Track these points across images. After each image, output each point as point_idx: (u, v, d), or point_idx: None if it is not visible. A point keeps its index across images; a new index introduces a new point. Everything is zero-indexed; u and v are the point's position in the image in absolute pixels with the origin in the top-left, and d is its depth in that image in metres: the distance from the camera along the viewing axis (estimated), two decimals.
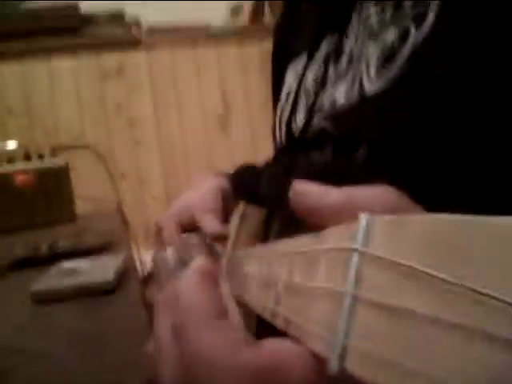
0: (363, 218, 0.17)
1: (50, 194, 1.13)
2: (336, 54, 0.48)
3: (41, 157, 1.15)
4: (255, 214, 0.63)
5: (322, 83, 0.49)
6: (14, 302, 0.59)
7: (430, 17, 0.37)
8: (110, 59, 1.86)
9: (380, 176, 0.26)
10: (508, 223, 0.11)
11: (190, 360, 0.23)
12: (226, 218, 0.65)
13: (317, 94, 0.49)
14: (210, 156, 1.89)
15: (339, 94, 0.45)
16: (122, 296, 0.56)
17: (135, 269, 0.70)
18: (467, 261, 0.12)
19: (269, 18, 1.98)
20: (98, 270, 0.63)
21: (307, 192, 0.23)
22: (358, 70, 0.43)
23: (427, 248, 0.14)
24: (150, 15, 1.90)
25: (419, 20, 0.38)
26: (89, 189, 1.44)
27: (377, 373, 0.14)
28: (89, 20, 1.87)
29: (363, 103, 0.41)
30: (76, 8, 1.84)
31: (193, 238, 0.61)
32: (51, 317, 0.52)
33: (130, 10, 1.90)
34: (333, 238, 0.20)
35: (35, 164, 1.12)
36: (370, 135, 0.40)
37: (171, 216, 0.66)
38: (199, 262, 0.28)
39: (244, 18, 1.98)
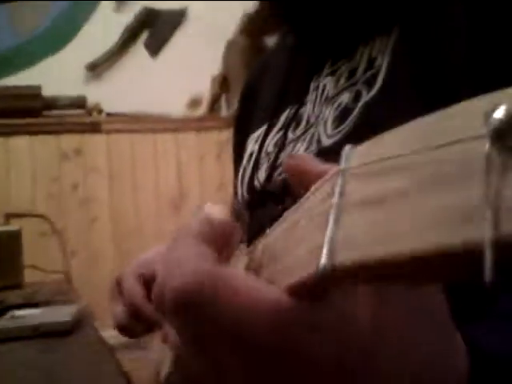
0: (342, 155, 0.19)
1: (1, 259, 1.11)
2: (295, 121, 0.53)
3: None
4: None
5: (281, 145, 0.53)
6: None
7: (379, 79, 0.44)
8: (69, 141, 1.90)
9: None
10: None
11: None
12: None
13: (277, 154, 0.53)
14: (162, 237, 1.90)
15: (299, 150, 0.51)
16: (80, 337, 0.56)
17: (91, 316, 0.69)
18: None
19: (225, 110, 2.11)
20: (55, 313, 0.62)
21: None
22: (316, 130, 0.49)
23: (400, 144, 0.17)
24: (111, 102, 1.99)
25: (370, 83, 0.44)
26: (37, 259, 1.42)
27: (365, 252, 0.15)
28: (50, 103, 1.93)
29: (320, 154, 0.46)
30: (39, 91, 1.90)
31: None
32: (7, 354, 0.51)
33: (92, 96, 1.99)
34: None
35: None
36: None
37: (131, 269, 0.66)
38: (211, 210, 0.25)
39: (202, 109, 2.10)
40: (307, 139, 0.50)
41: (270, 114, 0.59)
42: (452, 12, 0.41)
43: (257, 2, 2.03)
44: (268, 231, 0.27)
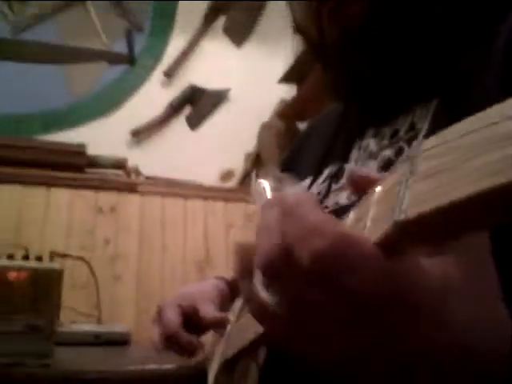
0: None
1: (40, 293, 1.16)
2: (337, 175, 0.61)
3: (39, 259, 1.21)
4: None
5: (325, 194, 0.61)
6: None
7: (420, 137, 0.53)
8: (106, 198, 2.01)
9: None
10: None
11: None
12: (221, 307, 0.72)
13: (321, 202, 0.60)
14: None
15: (341, 198, 0.58)
16: (135, 346, 0.61)
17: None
18: None
19: None
20: (111, 327, 0.68)
21: None
22: None
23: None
24: (149, 166, 2.12)
25: (411, 141, 0.53)
26: (72, 299, 1.47)
27: (429, 204, 0.21)
28: (93, 162, 2.06)
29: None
30: (84, 149, 2.04)
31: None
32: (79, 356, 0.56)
33: (132, 159, 2.12)
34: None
35: (33, 264, 1.18)
36: None
37: (173, 300, 0.73)
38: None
39: (233, 182, 2.21)
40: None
41: (314, 168, 0.67)
42: (489, 84, 0.48)
43: (294, 89, 2.20)
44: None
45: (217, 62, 2.31)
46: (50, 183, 1.96)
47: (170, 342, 0.68)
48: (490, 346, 0.30)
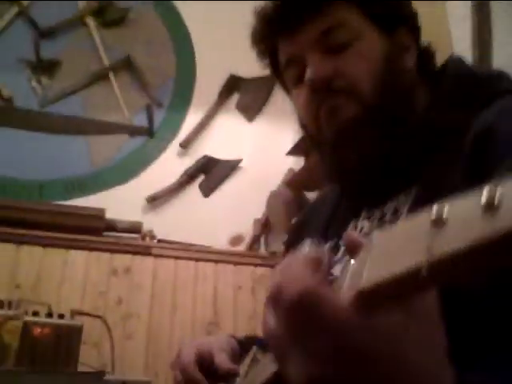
0: None
1: (60, 348, 1.24)
2: (334, 250, 0.72)
3: (61, 316, 1.30)
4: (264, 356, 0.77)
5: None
6: None
7: (401, 219, 0.63)
8: (121, 260, 2.11)
9: None
10: None
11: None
12: (233, 360, 0.79)
13: None
14: None
15: (336, 271, 0.68)
16: None
17: None
18: None
19: (263, 249, 2.32)
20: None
21: None
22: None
23: None
24: (164, 230, 2.23)
25: (393, 222, 0.63)
26: (85, 356, 1.53)
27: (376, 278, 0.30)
28: (111, 225, 2.17)
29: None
30: (103, 213, 2.16)
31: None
32: None
33: (147, 223, 2.23)
34: None
35: (56, 320, 1.27)
36: None
37: (192, 344, 0.81)
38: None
39: (242, 246, 2.31)
40: (343, 263, 0.67)
41: (318, 241, 0.77)
42: (456, 177, 0.57)
43: (301, 161, 2.34)
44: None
45: (230, 135, 2.47)
46: (68, 245, 2.07)
47: (187, 381, 0.75)
48: None
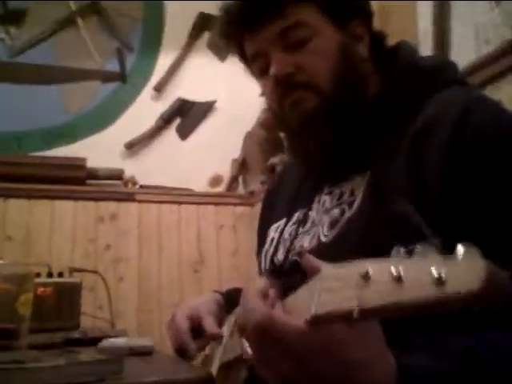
0: None
1: (63, 305, 1.36)
2: (303, 220, 0.82)
3: (60, 275, 1.40)
4: None
5: (295, 235, 0.82)
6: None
7: (356, 203, 0.72)
8: (107, 207, 2.20)
9: None
10: None
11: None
12: (219, 319, 0.92)
13: (291, 242, 0.81)
14: (181, 296, 2.15)
15: (305, 242, 0.79)
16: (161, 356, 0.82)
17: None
18: None
19: (242, 188, 2.42)
20: (137, 341, 0.88)
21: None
22: (317, 229, 0.77)
23: None
24: (145, 176, 2.30)
25: (350, 205, 0.73)
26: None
27: (325, 308, 0.41)
28: (93, 174, 2.24)
29: (319, 247, 0.75)
30: (84, 163, 2.22)
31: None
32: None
33: (128, 170, 2.30)
34: None
35: (57, 279, 1.37)
36: None
37: (182, 309, 0.93)
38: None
39: (222, 186, 2.41)
40: (311, 234, 0.78)
41: (286, 211, 0.87)
42: (399, 164, 0.67)
43: None
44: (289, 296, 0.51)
45: (203, 76, 2.49)
46: (53, 196, 2.14)
47: (182, 345, 0.88)
48: None
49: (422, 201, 0.62)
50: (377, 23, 0.82)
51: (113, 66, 2.40)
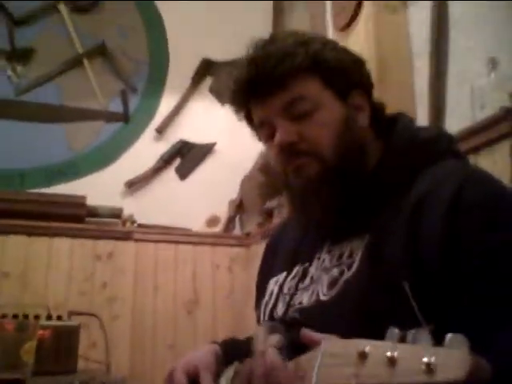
0: None
1: (61, 347, 1.38)
2: (303, 276, 0.84)
3: (59, 317, 1.43)
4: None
5: (294, 291, 0.84)
6: None
7: (355, 266, 0.75)
8: (104, 246, 2.22)
9: None
10: None
11: None
12: (217, 372, 0.94)
13: (291, 297, 0.84)
14: (175, 335, 2.17)
15: (304, 298, 0.82)
16: None
17: None
18: None
19: (238, 229, 2.46)
20: None
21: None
22: (316, 287, 0.80)
23: None
24: (143, 214, 2.34)
25: (349, 266, 0.76)
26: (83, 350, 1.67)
27: None
28: (93, 212, 2.27)
29: (318, 305, 0.77)
30: (84, 200, 2.25)
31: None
32: None
33: (127, 208, 2.34)
34: None
35: (56, 322, 1.39)
36: (320, 323, 0.72)
37: (182, 364, 0.96)
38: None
39: (219, 227, 2.45)
40: (310, 291, 0.80)
41: (287, 265, 0.89)
42: (397, 233, 0.71)
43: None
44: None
45: (204, 119, 2.56)
46: (53, 233, 2.17)
47: None
48: None
49: (418, 278, 0.65)
50: (375, 77, 0.88)
51: (116, 106, 2.46)
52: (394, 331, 0.42)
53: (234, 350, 0.97)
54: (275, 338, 0.56)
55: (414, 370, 0.38)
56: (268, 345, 0.55)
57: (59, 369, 1.36)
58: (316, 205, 0.81)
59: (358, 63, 0.85)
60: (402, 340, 0.41)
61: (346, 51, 0.85)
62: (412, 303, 0.48)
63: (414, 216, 0.71)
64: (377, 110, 0.86)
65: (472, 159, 1.23)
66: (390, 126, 0.84)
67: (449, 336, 0.39)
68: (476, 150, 1.22)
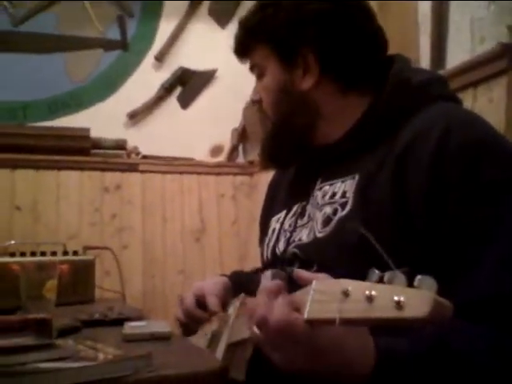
0: None
1: (79, 280, 1.45)
2: (301, 213, 0.91)
3: (75, 253, 1.49)
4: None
5: (294, 227, 0.91)
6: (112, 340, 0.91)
7: (348, 206, 0.80)
8: (111, 177, 2.26)
9: None
10: None
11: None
12: (225, 302, 1.01)
13: (291, 234, 0.90)
14: (184, 263, 2.26)
15: (303, 235, 0.88)
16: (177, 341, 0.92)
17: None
18: None
19: (242, 157, 2.49)
20: (156, 325, 0.97)
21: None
22: (313, 224, 0.86)
23: None
24: (147, 146, 2.36)
25: (343, 206, 0.81)
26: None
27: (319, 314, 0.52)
28: (97, 144, 2.29)
29: (315, 242, 0.83)
30: (88, 133, 2.26)
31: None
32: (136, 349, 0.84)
33: (131, 139, 2.35)
34: None
35: (72, 257, 1.46)
36: (318, 259, 0.82)
37: (191, 292, 1.04)
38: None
39: (222, 156, 2.47)
40: (308, 228, 0.87)
41: (287, 203, 0.96)
42: (384, 177, 0.76)
43: None
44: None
45: (204, 44, 2.50)
46: (60, 166, 2.20)
47: (189, 317, 1.01)
48: None
49: (404, 221, 0.72)
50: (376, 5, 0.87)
51: (114, 34, 2.40)
52: (375, 272, 0.48)
53: (242, 282, 1.09)
54: (278, 283, 0.62)
55: (387, 307, 0.45)
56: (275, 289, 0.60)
57: (78, 299, 1.44)
58: (267, 154, 0.95)
59: (321, 17, 0.84)
60: (380, 280, 0.47)
61: (309, 1, 0.85)
62: (380, 251, 0.53)
63: (402, 159, 0.75)
64: (367, 56, 0.86)
65: (471, 94, 1.23)
66: (385, 68, 0.85)
67: (419, 277, 0.45)
68: (475, 84, 1.22)
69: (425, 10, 1.50)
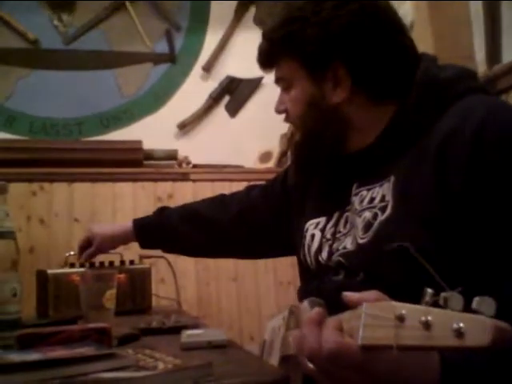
0: None
1: (136, 289, 1.49)
2: (342, 221, 0.90)
3: (131, 262, 1.53)
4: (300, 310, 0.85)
5: (336, 237, 0.90)
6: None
7: (388, 209, 0.79)
8: (164, 187, 2.31)
9: (370, 289, 0.56)
10: None
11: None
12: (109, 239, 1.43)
13: (333, 242, 0.90)
14: (236, 271, 2.28)
15: (347, 243, 0.87)
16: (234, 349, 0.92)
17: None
18: None
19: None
20: (212, 333, 0.98)
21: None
22: (354, 232, 0.85)
23: None
24: (197, 155, 2.40)
25: (383, 210, 0.80)
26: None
27: (370, 340, 0.50)
28: (149, 155, 2.35)
29: (358, 249, 0.83)
30: (140, 145, 2.32)
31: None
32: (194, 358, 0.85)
33: (182, 149, 2.40)
34: None
35: (129, 267, 1.50)
36: (363, 266, 0.81)
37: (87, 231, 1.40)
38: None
39: (271, 162, 2.48)
40: (352, 235, 0.86)
41: (324, 211, 0.94)
42: (424, 174, 0.75)
43: None
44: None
45: (250, 52, 2.50)
46: (115, 179, 2.27)
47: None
48: None
49: (447, 214, 0.71)
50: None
51: (162, 47, 2.46)
52: (428, 292, 0.46)
53: (144, 226, 1.39)
54: (319, 311, 0.60)
55: (446, 335, 0.43)
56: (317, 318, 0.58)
57: (136, 308, 1.47)
58: (297, 164, 0.97)
59: (351, 32, 0.83)
60: (435, 302, 0.46)
61: (338, 16, 0.83)
62: (431, 272, 0.52)
63: (440, 154, 0.75)
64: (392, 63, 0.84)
65: None
66: (412, 69, 0.84)
67: (476, 299, 0.43)
68: None
69: (476, 7, 1.46)
